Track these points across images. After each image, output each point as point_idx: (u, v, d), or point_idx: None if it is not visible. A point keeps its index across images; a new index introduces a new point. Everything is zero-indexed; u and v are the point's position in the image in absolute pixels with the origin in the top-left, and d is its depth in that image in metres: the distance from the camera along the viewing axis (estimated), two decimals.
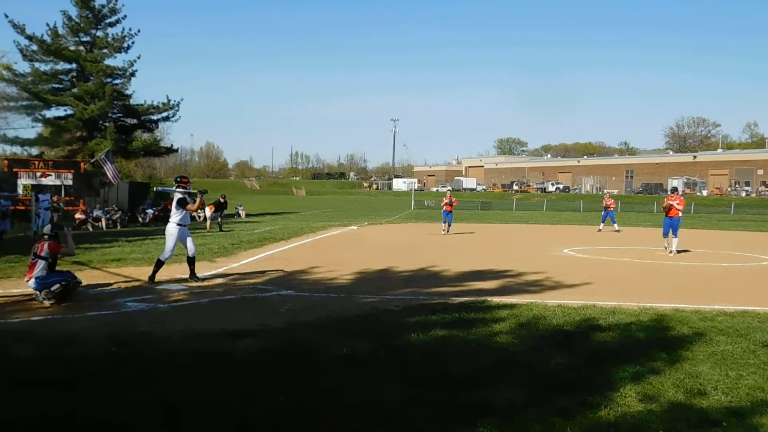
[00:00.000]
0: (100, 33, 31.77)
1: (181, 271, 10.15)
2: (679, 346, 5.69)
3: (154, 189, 31.07)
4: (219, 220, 22.65)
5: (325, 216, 34.22)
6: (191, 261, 9.69)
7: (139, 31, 32.17)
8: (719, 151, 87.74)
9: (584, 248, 16.47)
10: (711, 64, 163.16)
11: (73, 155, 30.78)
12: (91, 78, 31.24)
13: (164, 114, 33.35)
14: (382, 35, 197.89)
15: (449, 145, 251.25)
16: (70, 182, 24.90)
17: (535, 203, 57.90)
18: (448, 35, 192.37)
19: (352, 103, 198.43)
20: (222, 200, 23.37)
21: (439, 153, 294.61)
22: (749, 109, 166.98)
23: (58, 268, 8.14)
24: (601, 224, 24.24)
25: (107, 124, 31.17)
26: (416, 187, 74.55)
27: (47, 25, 30.33)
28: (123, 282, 9.44)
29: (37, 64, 30.42)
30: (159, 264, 9.50)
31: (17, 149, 30.86)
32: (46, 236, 8.10)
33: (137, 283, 9.28)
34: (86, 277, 9.33)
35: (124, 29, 31.96)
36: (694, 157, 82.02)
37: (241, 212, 33.43)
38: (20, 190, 23.79)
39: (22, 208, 21.97)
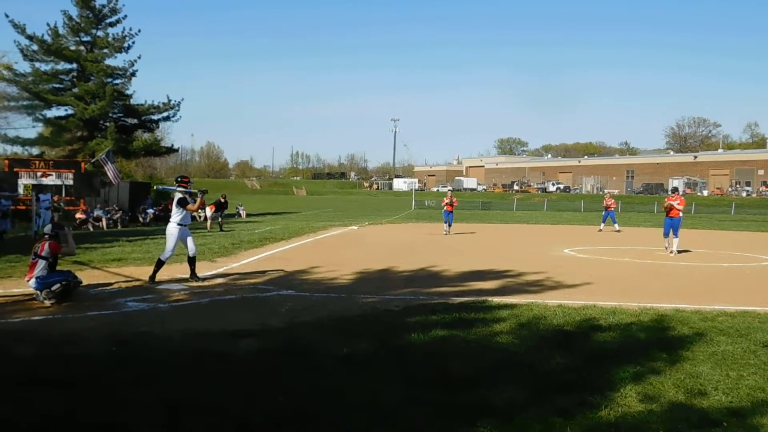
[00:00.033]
0: (100, 33, 31.81)
1: (182, 270, 10.15)
2: (680, 346, 5.69)
3: (155, 188, 31.09)
4: (219, 220, 22.65)
5: (326, 216, 34.22)
6: (192, 261, 9.69)
7: (139, 31, 32.25)
8: (720, 151, 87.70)
9: (585, 248, 16.47)
10: (711, 64, 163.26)
11: (73, 155, 30.80)
12: (92, 78, 31.26)
13: (165, 114, 33.39)
14: (382, 35, 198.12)
15: (450, 145, 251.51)
16: (71, 182, 24.92)
17: (536, 203, 57.90)
18: (448, 35, 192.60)
19: (352, 103, 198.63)
20: (222, 200, 23.38)
21: (440, 153, 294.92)
22: (750, 109, 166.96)
23: (58, 267, 8.14)
24: (602, 224, 24.23)
25: (108, 123, 31.19)
26: (417, 187, 74.53)
27: (48, 25, 30.40)
28: (123, 282, 9.44)
29: (37, 64, 30.48)
30: (159, 264, 9.50)
31: (18, 149, 30.93)
32: (46, 236, 8.10)
33: (138, 283, 9.29)
34: (87, 276, 9.34)
35: (124, 29, 32.03)
36: (695, 157, 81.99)
37: (241, 212, 33.44)
38: (21, 190, 23.80)
39: (23, 207, 21.98)
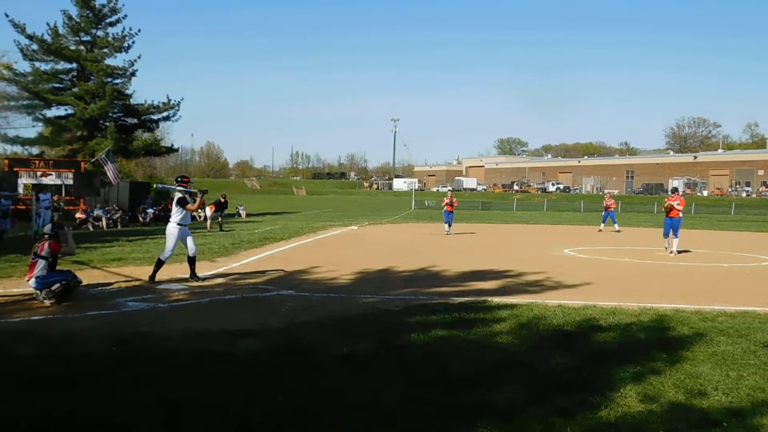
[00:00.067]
0: (100, 32, 31.79)
1: (182, 270, 10.15)
2: (680, 346, 5.69)
3: (155, 186, 31.08)
4: (219, 219, 22.65)
5: (326, 216, 34.22)
6: (192, 261, 9.69)
7: (139, 30, 32.23)
8: (720, 151, 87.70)
9: (585, 248, 16.47)
10: (711, 64, 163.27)
11: (73, 155, 30.78)
12: (92, 77, 31.25)
13: (164, 114, 33.38)
14: (382, 35, 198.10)
15: (450, 145, 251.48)
16: (71, 182, 24.91)
17: (536, 203, 57.90)
18: (448, 35, 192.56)
19: (352, 103, 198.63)
20: (222, 200, 23.37)
21: (440, 153, 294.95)
22: (750, 110, 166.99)
23: (58, 267, 8.14)
24: (602, 224, 24.23)
25: (108, 123, 31.18)
26: (417, 187, 74.54)
27: (48, 24, 30.39)
28: (123, 281, 9.44)
29: (37, 64, 30.47)
30: (159, 263, 9.50)
31: (18, 148, 30.91)
32: (46, 236, 8.10)
33: (138, 283, 9.29)
34: (87, 276, 9.34)
35: (124, 29, 32.02)
36: (695, 157, 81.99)
37: (241, 212, 33.43)
38: (21, 190, 23.81)
39: (23, 207, 21.98)
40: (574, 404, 4.11)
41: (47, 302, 7.53)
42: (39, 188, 22.83)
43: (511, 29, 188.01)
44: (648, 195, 68.09)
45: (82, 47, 31.55)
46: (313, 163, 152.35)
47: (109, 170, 24.91)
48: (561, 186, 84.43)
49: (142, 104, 32.75)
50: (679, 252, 14.88)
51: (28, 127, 35.05)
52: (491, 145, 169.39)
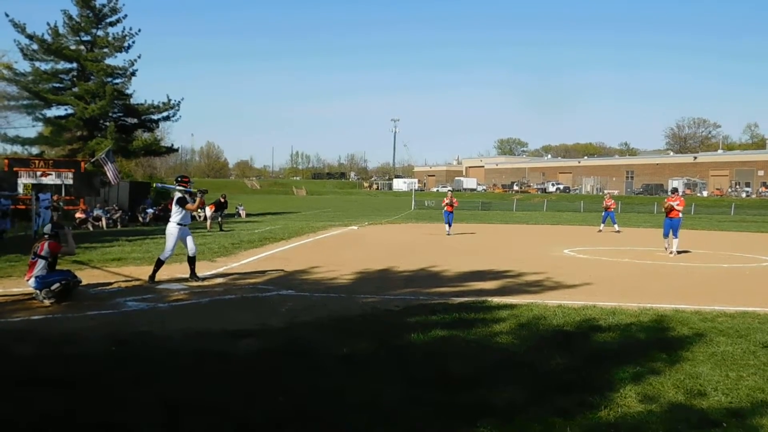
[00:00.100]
0: (100, 32, 31.78)
1: (182, 270, 10.15)
2: (680, 346, 5.69)
3: (155, 186, 31.07)
4: (219, 219, 22.65)
5: (326, 216, 34.22)
6: (191, 260, 9.69)
7: (139, 30, 32.20)
8: (720, 151, 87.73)
9: (584, 249, 16.47)
10: (712, 64, 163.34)
11: (73, 154, 30.77)
12: (92, 77, 31.24)
13: (165, 113, 33.35)
14: (382, 35, 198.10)
15: (449, 145, 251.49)
16: (71, 181, 24.91)
17: (536, 204, 57.90)
18: (448, 35, 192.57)
19: (352, 103, 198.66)
20: (222, 200, 23.37)
21: (440, 153, 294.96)
22: (750, 110, 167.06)
23: (58, 267, 8.14)
24: (602, 225, 24.23)
25: (108, 123, 31.17)
26: (416, 187, 74.56)
27: (48, 24, 30.36)
28: (123, 281, 9.44)
29: (37, 64, 30.44)
30: (159, 263, 9.50)
31: (18, 148, 30.90)
32: (46, 236, 8.10)
33: (137, 283, 9.28)
34: (86, 276, 9.34)
35: (124, 29, 31.99)
36: (695, 157, 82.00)
37: (241, 212, 33.43)
38: (21, 189, 23.80)
39: (23, 207, 21.97)
40: (574, 404, 4.11)
41: (47, 302, 7.53)
42: (39, 188, 22.83)
43: (511, 29, 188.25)
44: (648, 195, 68.13)
45: (82, 47, 31.54)
46: (313, 163, 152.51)
47: (109, 170, 24.90)
48: (561, 186, 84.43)
49: (142, 104, 32.74)
50: (679, 252, 14.88)
51: (28, 127, 35.06)
52: (491, 145, 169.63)
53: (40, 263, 7.73)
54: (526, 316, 6.95)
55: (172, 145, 39.15)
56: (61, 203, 23.28)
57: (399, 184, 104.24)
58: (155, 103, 32.82)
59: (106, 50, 31.64)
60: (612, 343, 5.88)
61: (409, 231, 23.42)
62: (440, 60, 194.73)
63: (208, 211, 23.04)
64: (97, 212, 24.12)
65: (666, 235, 15.37)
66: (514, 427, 3.73)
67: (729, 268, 12.86)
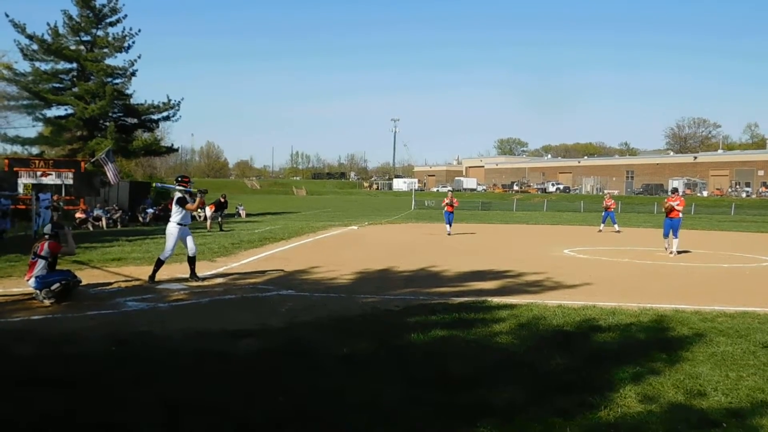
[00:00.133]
0: (100, 32, 31.78)
1: (182, 270, 10.15)
2: (679, 346, 5.69)
3: (154, 185, 31.07)
4: (219, 219, 22.65)
5: (326, 216, 34.22)
6: (191, 260, 9.69)
7: (139, 30, 32.21)
8: (720, 151, 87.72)
9: (584, 249, 16.47)
10: (711, 64, 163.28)
11: (73, 154, 30.77)
12: (92, 77, 31.25)
13: (165, 113, 33.36)
14: (382, 35, 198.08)
15: (449, 145, 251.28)
16: (71, 181, 24.91)
17: (536, 204, 57.90)
18: (448, 35, 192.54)
19: (352, 103, 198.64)
20: (222, 200, 23.37)
21: (440, 153, 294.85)
22: (750, 110, 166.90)
23: (58, 267, 8.14)
24: (602, 225, 24.23)
25: (108, 123, 31.18)
26: (417, 187, 74.55)
27: (48, 24, 30.39)
28: (123, 281, 9.44)
29: (37, 64, 30.45)
30: (159, 263, 9.50)
31: (18, 148, 30.91)
32: (46, 236, 8.10)
33: (137, 283, 9.29)
34: (86, 276, 9.34)
35: (124, 29, 32.00)
36: (695, 157, 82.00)
37: (241, 212, 33.43)
38: (21, 189, 23.81)
39: (23, 207, 21.98)
40: (574, 404, 4.11)
41: (47, 302, 7.53)
42: (39, 188, 22.84)
43: (511, 29, 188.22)
44: (648, 195, 68.12)
45: (82, 47, 31.55)
46: (313, 163, 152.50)
47: (109, 170, 24.89)
48: (561, 186, 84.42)
49: (142, 104, 32.75)
50: (679, 252, 14.88)
51: (28, 127, 35.12)
52: (491, 145, 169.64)
53: (40, 263, 7.73)
54: (526, 316, 6.95)
55: (172, 145, 39.17)
56: (61, 203, 23.29)
57: (399, 184, 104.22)
58: (155, 103, 32.86)
59: (106, 50, 31.65)
60: (612, 343, 5.88)
61: (409, 231, 23.42)
62: (440, 60, 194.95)
63: (208, 211, 23.04)
64: (97, 212, 24.12)
65: (666, 235, 15.37)
66: (514, 427, 3.73)
67: (729, 268, 12.86)
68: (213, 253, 13.36)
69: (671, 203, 15.25)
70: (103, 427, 3.72)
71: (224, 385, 4.49)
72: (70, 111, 31.17)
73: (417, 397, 4.27)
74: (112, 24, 31.84)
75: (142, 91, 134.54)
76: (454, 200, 21.40)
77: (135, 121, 33.55)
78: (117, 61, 37.78)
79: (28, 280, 7.77)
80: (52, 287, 7.57)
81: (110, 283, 9.23)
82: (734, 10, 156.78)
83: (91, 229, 22.31)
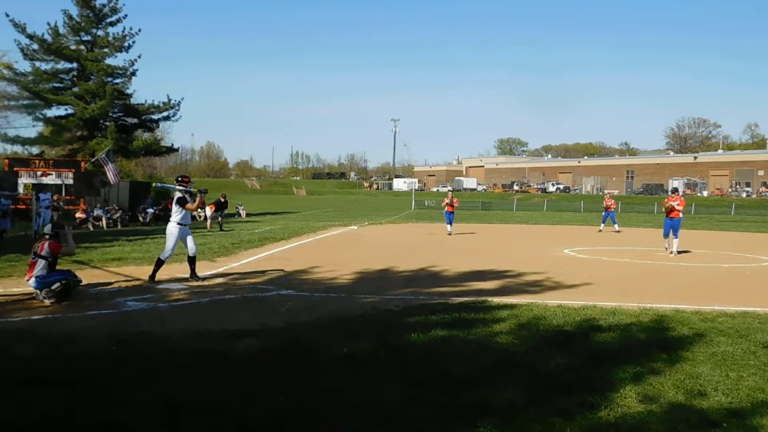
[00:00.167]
0: (100, 32, 31.79)
1: (182, 270, 10.15)
2: (680, 346, 5.69)
3: (155, 185, 31.08)
4: (219, 219, 22.66)
5: (326, 216, 34.22)
6: (192, 260, 9.69)
7: (139, 30, 32.22)
8: (720, 151, 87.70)
9: (584, 249, 16.47)
10: (712, 64, 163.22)
11: (73, 154, 30.78)
12: (92, 77, 31.25)
13: (165, 113, 33.37)
14: (382, 35, 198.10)
15: (450, 145, 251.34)
16: (71, 181, 24.92)
17: (536, 203, 57.90)
18: (448, 35, 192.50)
19: (352, 103, 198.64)
20: (222, 200, 23.38)
21: (440, 153, 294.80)
22: (750, 110, 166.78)
23: (58, 267, 8.14)
24: (602, 225, 24.23)
25: (108, 123, 31.18)
26: (417, 187, 74.52)
27: (48, 24, 30.39)
28: (123, 281, 9.44)
29: (37, 63, 30.46)
30: (159, 263, 9.50)
31: (18, 148, 30.92)
32: (46, 236, 8.10)
33: (138, 283, 9.29)
34: (87, 276, 9.34)
35: (124, 29, 32.00)
36: (695, 157, 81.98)
37: (241, 212, 33.44)
38: (21, 189, 23.81)
39: (23, 207, 21.98)
40: (574, 405, 4.11)
41: (47, 302, 7.53)
42: (39, 188, 22.85)
43: (511, 29, 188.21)
44: (648, 195, 68.11)
45: (82, 47, 31.55)
46: (313, 163, 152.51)
47: (109, 170, 24.89)
48: (561, 186, 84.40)
49: (142, 104, 32.75)
50: (679, 252, 14.88)
51: (28, 127, 35.10)
52: (491, 145, 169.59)
53: (41, 263, 7.73)
54: (526, 316, 6.95)
55: (172, 145, 39.16)
56: (61, 203, 23.29)
57: (399, 184, 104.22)
58: (155, 103, 32.87)
59: (106, 50, 31.65)
60: (612, 343, 5.88)
61: (409, 231, 23.42)
62: (440, 60, 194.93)
63: (209, 210, 23.04)
64: (97, 212, 24.12)
65: (666, 235, 15.37)
66: (514, 427, 3.73)
67: (729, 268, 12.86)
68: (213, 253, 13.36)
69: (671, 203, 15.24)
70: (103, 427, 3.71)
71: (224, 385, 4.49)
72: (70, 111, 31.17)
73: (417, 397, 4.27)
74: (112, 24, 31.86)
75: (142, 91, 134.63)
76: (455, 200, 21.38)
77: (135, 121, 33.56)
78: (117, 60, 37.71)
79: (28, 280, 7.77)
80: (53, 287, 7.58)
81: (110, 283, 9.23)
82: (734, 10, 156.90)
83: (91, 229, 22.31)
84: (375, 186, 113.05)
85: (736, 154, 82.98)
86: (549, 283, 9.89)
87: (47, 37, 29.96)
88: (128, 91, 32.36)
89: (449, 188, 46.16)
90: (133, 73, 32.28)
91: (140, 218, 26.38)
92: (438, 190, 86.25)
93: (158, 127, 37.54)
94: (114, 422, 3.76)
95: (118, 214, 24.85)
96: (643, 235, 22.45)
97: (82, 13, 31.03)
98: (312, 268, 11.36)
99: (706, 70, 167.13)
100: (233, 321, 6.67)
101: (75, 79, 31.37)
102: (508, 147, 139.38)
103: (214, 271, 10.71)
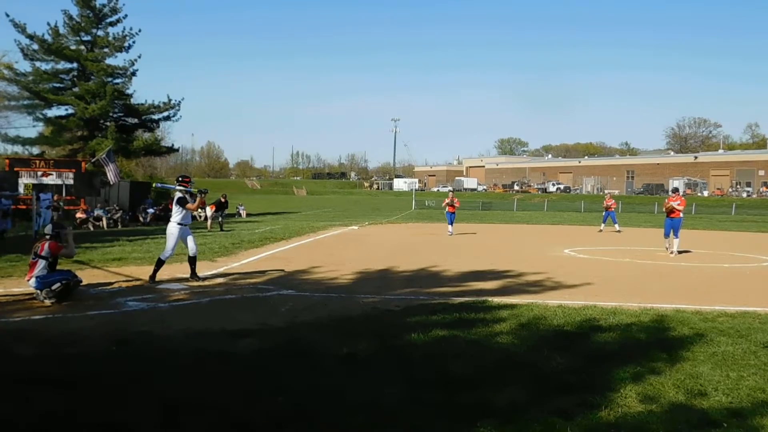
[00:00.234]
0: (100, 32, 31.83)
1: (182, 270, 10.15)
2: (680, 346, 5.69)
3: (155, 185, 31.11)
4: (220, 219, 22.66)
5: (326, 216, 34.22)
6: (192, 260, 9.69)
7: (139, 30, 32.29)
8: (720, 151, 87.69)
9: (585, 249, 16.46)
10: (712, 64, 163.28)
11: (74, 154, 30.82)
12: (92, 77, 31.27)
13: (165, 113, 33.43)
14: (382, 35, 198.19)
15: (450, 145, 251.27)
16: (71, 181, 24.96)
17: (536, 203, 57.89)
18: (448, 35, 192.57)
19: (352, 103, 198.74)
20: (223, 200, 23.38)
21: (440, 153, 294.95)
22: (750, 110, 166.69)
23: (58, 267, 8.14)
24: (602, 225, 24.23)
25: (108, 123, 31.22)
26: (417, 187, 74.55)
27: (48, 24, 30.49)
28: (124, 281, 9.44)
29: (38, 64, 30.53)
30: (160, 263, 9.50)
31: (18, 148, 30.98)
32: (47, 236, 8.10)
33: (138, 283, 9.28)
34: (87, 276, 9.34)
35: (124, 29, 32.07)
36: (695, 157, 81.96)
37: (241, 212, 33.46)
38: (21, 189, 23.84)
39: (24, 207, 22.01)
40: (574, 405, 4.11)
41: (47, 302, 7.53)
42: (39, 188, 22.88)
43: (512, 29, 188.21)
44: (648, 195, 68.09)
45: (82, 47, 31.58)
46: (313, 163, 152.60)
47: (110, 170, 24.91)
48: (561, 186, 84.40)
49: (142, 104, 32.78)
50: (680, 252, 14.87)
51: (28, 127, 35.23)
52: (491, 145, 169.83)
53: (41, 263, 7.74)
54: (527, 316, 6.94)
55: (173, 145, 39.20)
56: (61, 203, 23.30)
57: (399, 184, 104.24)
58: (156, 103, 32.93)
59: (106, 50, 31.69)
60: (612, 343, 5.88)
61: (409, 231, 23.42)
62: (440, 60, 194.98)
63: (209, 210, 23.05)
64: (97, 212, 24.13)
65: (667, 235, 15.36)
66: (514, 428, 3.72)
67: (729, 268, 12.85)
68: (213, 253, 13.36)
69: (672, 203, 15.23)
70: (103, 427, 3.71)
71: (224, 384, 4.49)
72: (70, 111, 31.21)
73: (417, 397, 4.26)
74: (112, 24, 31.90)
75: (142, 91, 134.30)
76: (456, 200, 21.35)
77: (135, 121, 33.59)
78: (117, 61, 37.88)
79: (28, 280, 7.78)
80: (53, 287, 7.58)
81: (111, 283, 9.23)
82: (734, 10, 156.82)
83: (91, 229, 22.32)
84: (375, 186, 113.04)
85: (737, 154, 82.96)
86: (549, 283, 9.88)
87: (47, 37, 30.00)
88: (128, 91, 32.42)
89: (450, 188, 46.16)
90: (133, 73, 32.35)
91: (141, 218, 26.39)
92: (438, 190, 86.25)
93: (158, 127, 37.61)
94: (114, 422, 3.76)
95: (118, 215, 24.85)
96: (644, 235, 22.44)
97: (82, 13, 31.06)
98: (312, 268, 11.35)
99: (706, 70, 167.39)
100: (233, 321, 6.67)
101: (75, 79, 31.40)
102: (508, 147, 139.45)
103: (214, 271, 10.71)
